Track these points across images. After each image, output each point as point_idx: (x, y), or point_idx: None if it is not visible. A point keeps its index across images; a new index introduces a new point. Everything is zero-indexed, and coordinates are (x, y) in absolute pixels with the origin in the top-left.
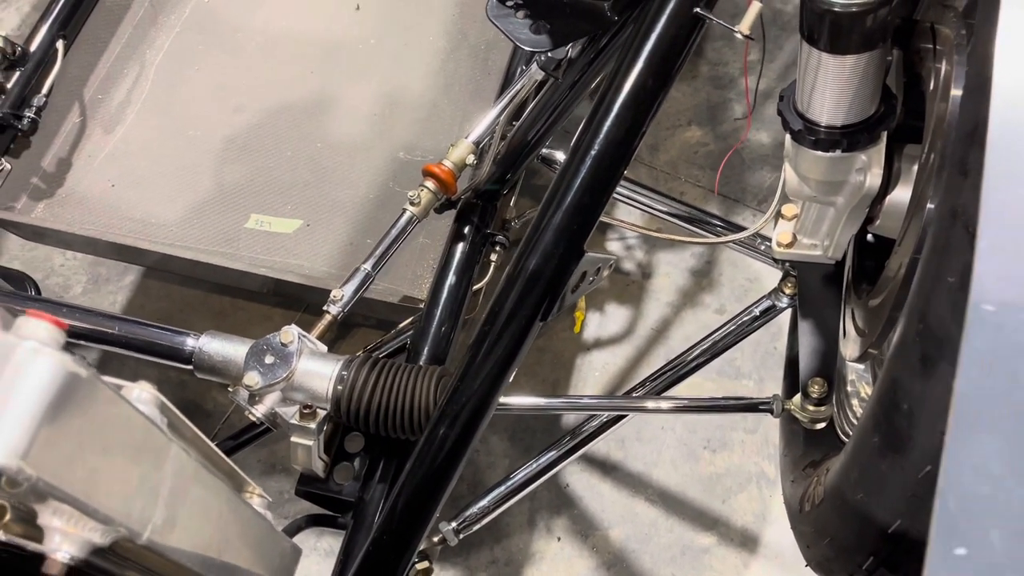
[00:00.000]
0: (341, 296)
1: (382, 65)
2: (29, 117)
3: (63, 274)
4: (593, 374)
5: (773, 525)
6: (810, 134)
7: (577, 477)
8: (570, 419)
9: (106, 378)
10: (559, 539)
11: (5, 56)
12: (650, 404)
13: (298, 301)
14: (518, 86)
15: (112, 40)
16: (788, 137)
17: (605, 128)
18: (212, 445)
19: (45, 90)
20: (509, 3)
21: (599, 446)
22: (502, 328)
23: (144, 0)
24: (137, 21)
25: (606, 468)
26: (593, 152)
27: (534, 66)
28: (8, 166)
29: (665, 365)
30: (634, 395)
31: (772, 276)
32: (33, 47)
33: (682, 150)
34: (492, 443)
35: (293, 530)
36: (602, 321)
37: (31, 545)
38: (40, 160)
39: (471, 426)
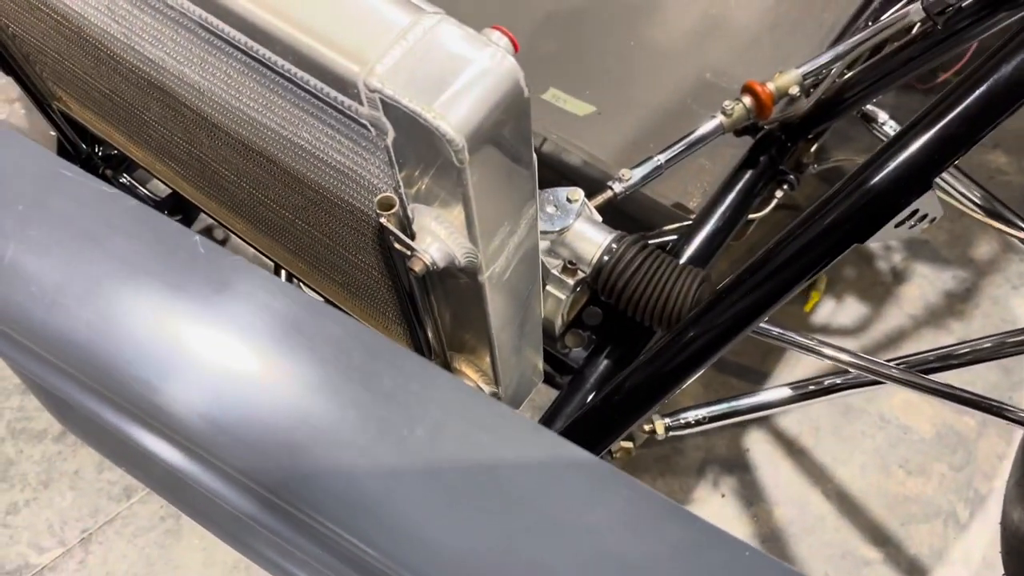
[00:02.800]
0: (629, 177)
1: None
2: None
3: None
4: (806, 357)
5: (948, 567)
6: None
7: (760, 446)
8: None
9: None
10: (723, 496)
11: None
12: (907, 376)
13: (557, 183)
14: (876, 28)
15: None
16: None
17: (1017, 59)
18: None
19: None
20: None
21: (791, 425)
22: (815, 239)
23: None
24: None
25: (792, 448)
26: (991, 81)
27: (912, 7)
28: None
29: (916, 353)
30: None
31: None
32: None
33: (978, 171)
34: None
35: None
36: (836, 309)
37: (402, 237)
38: None
39: (730, 331)
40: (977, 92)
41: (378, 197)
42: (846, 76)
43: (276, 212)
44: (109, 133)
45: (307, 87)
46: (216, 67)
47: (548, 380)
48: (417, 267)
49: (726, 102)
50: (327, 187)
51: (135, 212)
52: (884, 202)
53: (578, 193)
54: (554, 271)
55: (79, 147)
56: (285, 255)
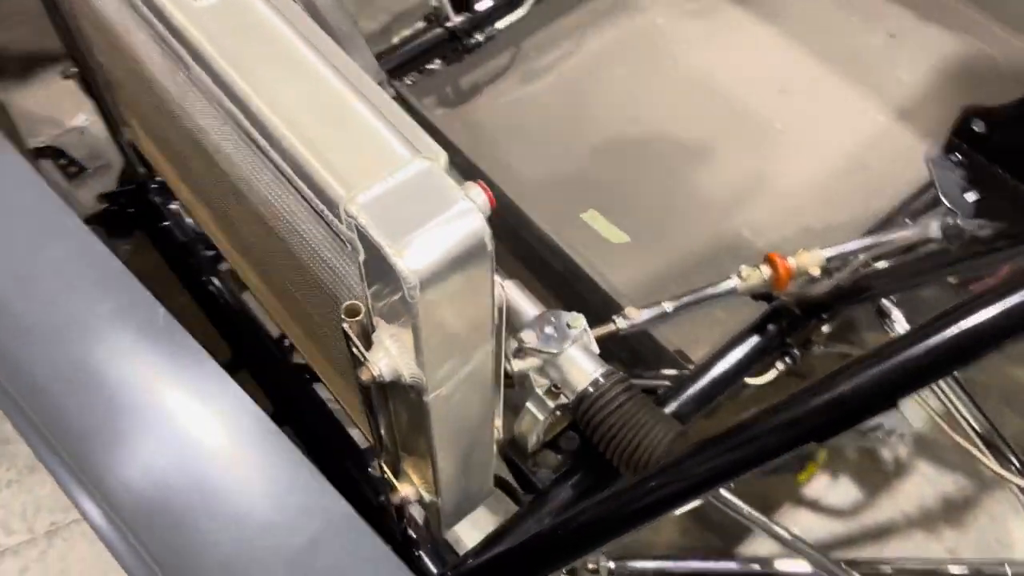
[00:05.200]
0: (635, 317)
1: (772, 149)
2: (477, 40)
3: None
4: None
5: None
6: None
7: None
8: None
9: None
10: None
11: None
12: None
13: (567, 302)
14: (901, 233)
15: (569, 13)
16: None
17: (987, 313)
18: (503, 367)
19: (500, 25)
20: (955, 159)
21: None
22: (776, 428)
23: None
24: (594, 10)
25: None
26: (966, 321)
27: (934, 223)
28: (438, 68)
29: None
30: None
31: None
32: None
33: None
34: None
35: None
36: (830, 486)
37: (359, 345)
38: (460, 76)
39: (688, 493)
40: (949, 333)
41: (345, 303)
42: (868, 268)
43: (282, 282)
44: (164, 170)
45: (302, 193)
46: (242, 149)
47: (511, 494)
48: (363, 376)
49: (743, 267)
50: (320, 276)
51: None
52: (845, 410)
53: (580, 321)
54: (538, 390)
55: (137, 171)
56: (287, 319)
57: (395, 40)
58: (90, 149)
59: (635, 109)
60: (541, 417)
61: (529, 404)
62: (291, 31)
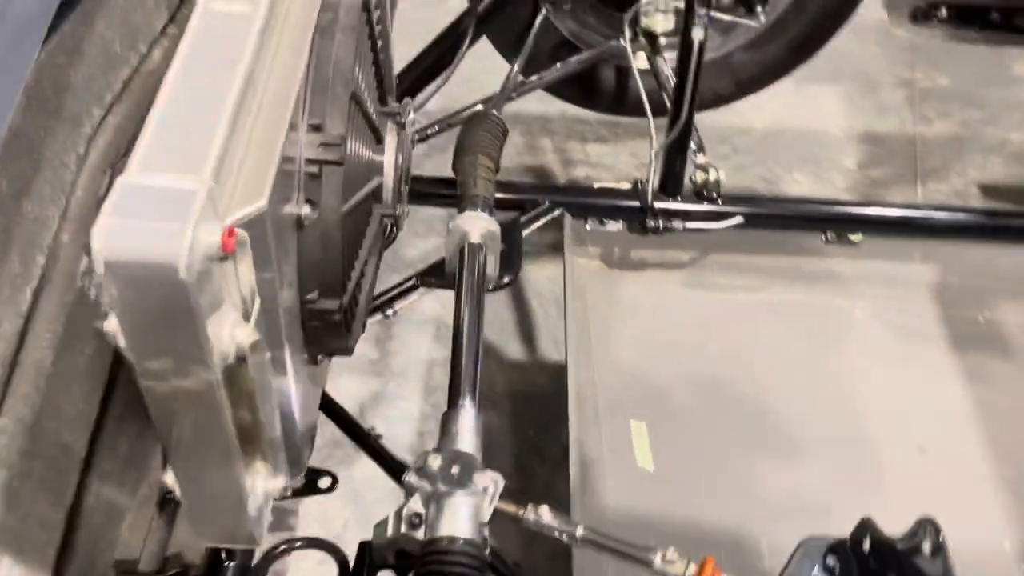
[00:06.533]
0: (543, 518)
1: (864, 498)
2: (658, 226)
3: None
4: None
5: None
6: None
7: None
8: None
9: None
10: None
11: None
12: None
13: None
14: None
15: (775, 255)
16: None
17: None
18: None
19: (688, 226)
20: (831, 561)
21: None
22: None
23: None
24: (798, 268)
25: None
26: None
27: None
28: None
29: None
30: None
31: None
32: None
33: None
34: None
35: (309, 543)
36: None
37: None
38: (633, 247)
39: None
40: None
41: None
42: None
43: None
44: None
45: None
46: None
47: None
48: (100, 326)
49: (672, 549)
50: None
51: None
52: None
53: (488, 482)
54: (405, 510)
55: None
56: None
57: (595, 184)
58: None
59: (764, 372)
60: (389, 533)
61: (390, 515)
62: (249, 56)
